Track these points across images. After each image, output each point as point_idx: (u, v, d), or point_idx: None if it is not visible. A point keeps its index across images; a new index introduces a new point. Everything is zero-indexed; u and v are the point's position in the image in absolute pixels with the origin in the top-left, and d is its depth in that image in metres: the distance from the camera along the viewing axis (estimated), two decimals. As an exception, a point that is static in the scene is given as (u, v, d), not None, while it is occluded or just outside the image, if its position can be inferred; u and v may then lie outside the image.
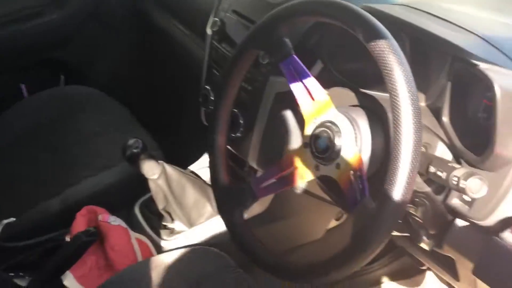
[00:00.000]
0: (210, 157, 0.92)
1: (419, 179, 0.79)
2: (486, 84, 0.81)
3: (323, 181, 0.92)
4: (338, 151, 0.76)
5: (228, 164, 0.92)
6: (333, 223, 1.27)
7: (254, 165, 1.08)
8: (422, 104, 0.84)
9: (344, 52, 0.96)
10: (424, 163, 0.74)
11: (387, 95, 0.84)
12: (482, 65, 0.70)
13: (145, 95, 1.61)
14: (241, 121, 1.08)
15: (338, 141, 0.76)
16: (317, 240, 1.24)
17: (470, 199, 0.78)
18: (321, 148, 0.78)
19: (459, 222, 0.83)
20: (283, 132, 0.96)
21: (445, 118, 0.80)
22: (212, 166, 0.92)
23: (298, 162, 0.82)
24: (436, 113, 0.82)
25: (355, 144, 0.77)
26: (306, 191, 1.16)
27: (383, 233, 0.66)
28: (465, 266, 0.91)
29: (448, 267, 0.97)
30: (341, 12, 0.73)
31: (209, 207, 1.23)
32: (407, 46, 0.82)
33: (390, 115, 0.81)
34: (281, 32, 0.81)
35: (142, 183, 1.17)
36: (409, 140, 0.63)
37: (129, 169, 1.18)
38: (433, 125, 0.82)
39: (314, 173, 0.80)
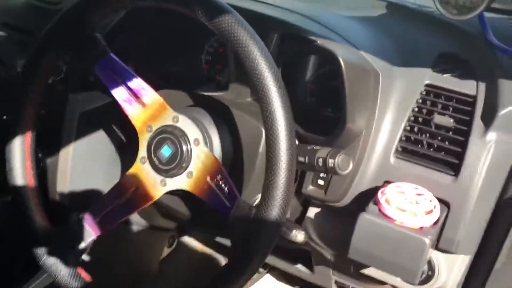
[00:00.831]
0: (19, 205, 0.71)
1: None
2: (310, 66, 0.80)
3: (166, 202, 0.79)
4: (188, 157, 0.65)
5: (42, 206, 0.72)
6: (166, 251, 1.13)
7: (67, 203, 0.88)
8: (248, 99, 0.79)
9: (157, 55, 0.86)
10: None
11: (221, 93, 0.77)
12: (320, 41, 0.67)
13: None
14: (40, 155, 0.88)
15: (185, 146, 0.65)
16: (156, 275, 1.08)
17: (323, 183, 0.75)
18: (165, 158, 0.66)
19: (315, 210, 0.80)
20: (103, 154, 0.79)
21: None
22: (25, 215, 0.70)
23: (138, 182, 0.68)
24: None
25: (204, 145, 0.66)
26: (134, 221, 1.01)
27: (274, 232, 0.57)
28: (321, 257, 0.88)
29: (303, 262, 0.93)
30: None
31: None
32: None
33: (233, 110, 0.73)
34: (92, 25, 0.66)
35: None
36: (284, 131, 0.56)
37: None
38: None
39: (160, 190, 0.67)
